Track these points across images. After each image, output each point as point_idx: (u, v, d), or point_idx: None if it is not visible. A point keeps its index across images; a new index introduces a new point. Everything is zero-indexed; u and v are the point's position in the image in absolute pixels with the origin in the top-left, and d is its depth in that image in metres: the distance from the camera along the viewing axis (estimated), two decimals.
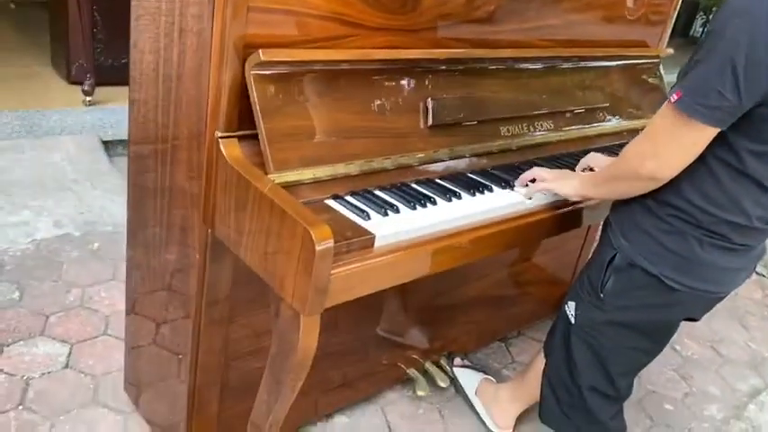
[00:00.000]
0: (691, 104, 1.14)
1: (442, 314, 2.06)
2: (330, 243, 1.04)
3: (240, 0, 1.11)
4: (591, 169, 1.60)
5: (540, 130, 1.69)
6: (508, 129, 1.61)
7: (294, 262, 1.07)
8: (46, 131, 3.22)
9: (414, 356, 2.04)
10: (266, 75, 1.18)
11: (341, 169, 1.29)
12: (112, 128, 3.38)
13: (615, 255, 1.34)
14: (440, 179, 1.47)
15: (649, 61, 2.07)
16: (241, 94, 1.18)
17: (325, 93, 1.27)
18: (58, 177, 2.88)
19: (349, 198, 1.29)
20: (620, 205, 1.40)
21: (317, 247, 1.03)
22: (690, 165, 1.21)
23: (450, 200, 1.37)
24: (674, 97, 1.16)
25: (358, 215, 1.23)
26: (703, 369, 2.54)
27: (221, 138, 1.20)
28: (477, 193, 1.43)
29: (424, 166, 1.46)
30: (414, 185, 1.41)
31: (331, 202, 1.27)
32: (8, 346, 1.96)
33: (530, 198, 1.47)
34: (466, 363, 2.10)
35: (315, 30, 1.26)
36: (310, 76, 1.24)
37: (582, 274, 1.46)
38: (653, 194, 1.29)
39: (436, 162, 1.48)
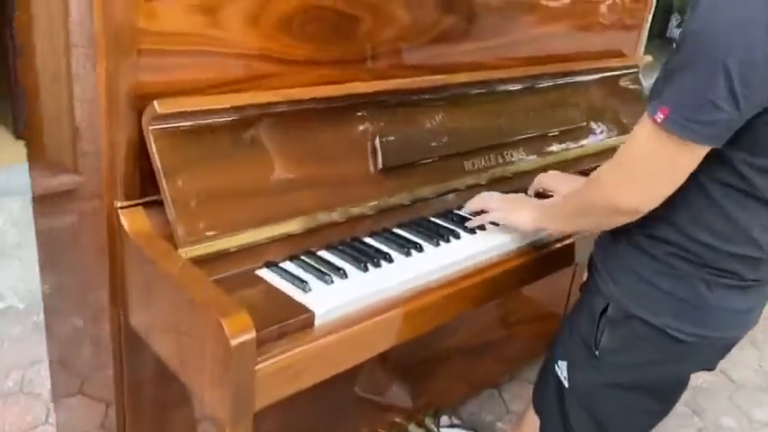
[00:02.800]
0: (682, 122, 0.94)
1: (423, 366, 1.84)
2: (250, 334, 0.83)
3: (126, 41, 0.92)
4: (543, 195, 1.41)
5: (512, 160, 1.49)
6: (474, 162, 1.41)
7: (208, 361, 0.86)
8: None
9: (395, 419, 1.82)
10: (169, 129, 0.98)
11: (277, 230, 1.09)
12: None
13: (607, 305, 1.13)
14: (398, 228, 1.27)
15: (627, 71, 1.89)
16: (142, 152, 0.98)
17: (248, 143, 1.07)
18: None
19: (286, 265, 1.09)
20: (603, 242, 1.19)
21: (232, 342, 0.82)
22: (682, 189, 1.02)
23: (409, 254, 1.17)
24: (659, 116, 0.96)
25: (296, 286, 1.02)
26: (715, 398, 2.32)
27: (122, 208, 1.00)
28: (442, 242, 1.22)
29: (380, 215, 1.25)
30: (367, 240, 1.20)
31: (263, 273, 1.06)
32: None
33: (473, 229, 1.27)
34: (454, 421, 1.88)
35: (231, 70, 1.06)
36: (226, 126, 1.04)
37: (570, 327, 1.25)
38: (641, 229, 1.08)
39: (394, 209, 1.27)
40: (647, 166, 0.99)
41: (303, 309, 0.96)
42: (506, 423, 2.04)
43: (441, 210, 1.35)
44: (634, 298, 1.10)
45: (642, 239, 1.09)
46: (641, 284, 1.09)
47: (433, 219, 1.32)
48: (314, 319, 0.96)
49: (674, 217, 1.05)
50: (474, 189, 1.41)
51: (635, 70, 1.92)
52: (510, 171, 1.49)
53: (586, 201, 1.12)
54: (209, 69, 1.03)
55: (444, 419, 1.88)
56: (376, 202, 1.23)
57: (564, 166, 1.61)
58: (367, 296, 1.04)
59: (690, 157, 0.97)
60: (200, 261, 0.98)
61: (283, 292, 1.00)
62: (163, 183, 0.96)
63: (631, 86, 1.90)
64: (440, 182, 1.34)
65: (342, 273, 1.07)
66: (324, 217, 1.15)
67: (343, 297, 1.01)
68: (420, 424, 1.84)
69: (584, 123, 1.70)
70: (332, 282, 1.04)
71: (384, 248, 1.17)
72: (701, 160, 0.98)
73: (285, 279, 1.04)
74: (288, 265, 1.08)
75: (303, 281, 1.02)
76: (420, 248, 1.18)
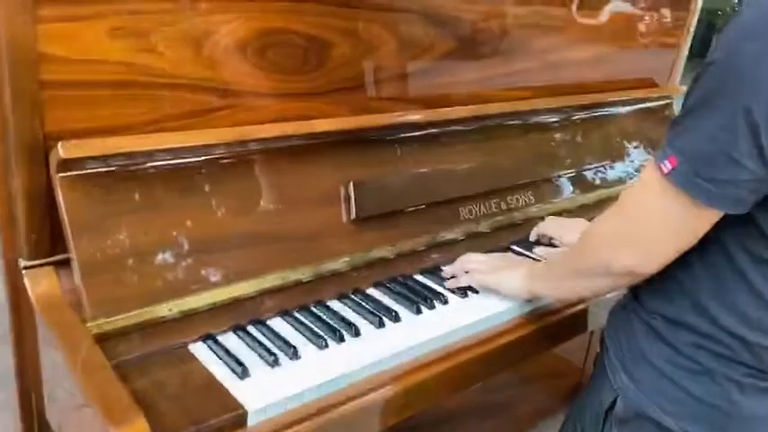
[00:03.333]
0: (691, 178, 0.73)
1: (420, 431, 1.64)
2: None
3: (23, 72, 0.75)
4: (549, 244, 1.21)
5: (517, 206, 1.29)
6: (471, 209, 1.21)
7: None
8: None
9: None
10: (82, 176, 0.81)
11: (220, 294, 0.91)
12: None
13: (615, 399, 0.92)
14: (374, 288, 1.07)
15: (659, 103, 1.67)
16: (52, 203, 0.81)
17: (185, 192, 0.90)
18: None
19: (227, 339, 0.90)
20: (615, 317, 0.98)
21: None
22: (706, 257, 0.80)
23: (381, 324, 0.97)
24: (666, 166, 0.75)
25: (231, 370, 0.83)
26: None
27: (26, 268, 0.83)
28: (425, 308, 1.03)
29: (354, 272, 1.06)
30: (332, 304, 1.01)
31: (198, 349, 0.87)
32: None
33: (465, 291, 1.08)
34: None
35: (169, 104, 0.89)
36: (158, 172, 0.87)
37: (575, 421, 1.03)
38: (658, 307, 0.87)
39: (371, 265, 1.08)
40: (649, 220, 0.78)
41: (232, 404, 0.78)
42: None
43: (429, 266, 1.15)
44: (648, 394, 0.88)
45: (659, 323, 0.87)
46: (657, 379, 0.87)
47: (418, 277, 1.12)
48: (246, 418, 0.77)
49: (696, 294, 0.83)
50: (475, 239, 1.22)
51: (668, 101, 1.70)
52: (515, 219, 1.29)
53: (577, 260, 0.91)
54: (142, 103, 0.86)
55: None
56: (348, 258, 1.04)
57: (579, 213, 1.41)
58: (324, 384, 0.85)
59: (700, 220, 0.76)
60: (118, 334, 0.81)
61: (215, 378, 0.82)
62: (70, 242, 0.79)
63: (663, 121, 1.68)
64: (428, 233, 1.15)
65: (293, 351, 0.87)
66: (279, 277, 0.97)
67: (290, 386, 0.82)
68: None
69: (606, 163, 1.49)
70: (277, 364, 0.85)
71: (351, 317, 0.98)
72: (728, 221, 0.76)
73: (221, 359, 0.85)
74: (228, 340, 0.90)
75: (240, 363, 0.84)
76: (396, 317, 0.99)
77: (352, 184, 1.04)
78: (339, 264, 1.03)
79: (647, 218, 0.78)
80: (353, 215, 1.04)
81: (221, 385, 0.80)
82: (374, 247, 1.08)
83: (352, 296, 1.04)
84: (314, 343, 0.91)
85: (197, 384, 0.80)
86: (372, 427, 0.89)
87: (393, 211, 1.10)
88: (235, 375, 0.82)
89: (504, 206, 1.26)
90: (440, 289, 1.08)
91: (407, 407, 0.93)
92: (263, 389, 0.80)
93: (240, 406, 0.77)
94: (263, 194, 0.97)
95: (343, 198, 1.05)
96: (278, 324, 0.95)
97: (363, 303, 1.02)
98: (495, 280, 1.05)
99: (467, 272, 1.08)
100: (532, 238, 1.25)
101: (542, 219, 1.31)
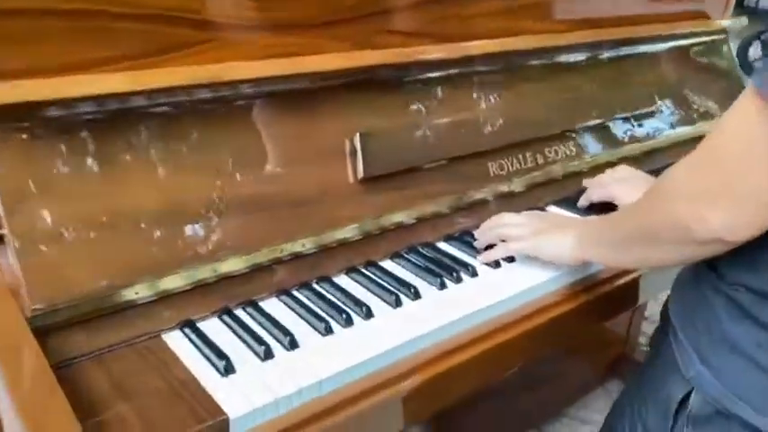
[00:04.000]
0: None
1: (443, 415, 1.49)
2: None
3: None
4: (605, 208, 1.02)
5: (555, 160, 1.10)
6: (502, 164, 1.03)
7: None
8: None
9: None
10: (12, 131, 0.64)
11: (202, 272, 0.75)
12: None
13: (689, 393, 0.74)
14: (390, 260, 0.91)
15: (713, 37, 1.45)
16: None
17: (152, 146, 0.73)
18: None
19: (209, 325, 0.74)
20: (683, 289, 0.79)
21: None
22: None
23: (399, 303, 0.81)
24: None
25: (211, 364, 0.68)
26: None
27: None
28: (450, 282, 0.86)
29: (365, 242, 0.89)
30: (339, 280, 0.85)
31: (172, 338, 0.72)
32: None
33: (490, 264, 0.90)
34: None
35: (132, 39, 0.72)
36: (116, 121, 0.70)
37: (631, 416, 0.85)
38: (738, 277, 0.69)
39: (385, 233, 0.91)
40: (752, 167, 0.60)
41: (212, 409, 0.62)
42: None
43: (455, 232, 0.97)
44: (732, 387, 0.70)
45: (744, 296, 0.69)
46: (744, 367, 0.69)
47: (441, 245, 0.95)
48: (227, 426, 0.62)
49: None
50: (507, 199, 1.04)
51: (722, 36, 1.48)
52: (556, 173, 1.10)
53: (647, 219, 0.72)
54: (96, 39, 0.69)
55: None
56: (357, 225, 0.87)
57: (627, 164, 1.21)
58: (328, 380, 0.68)
59: None
60: (68, 325, 0.66)
61: (192, 376, 0.66)
62: (2, 213, 0.63)
63: (717, 56, 1.46)
64: (452, 193, 0.97)
65: (290, 340, 0.71)
66: (274, 250, 0.80)
67: (285, 384, 0.66)
68: None
69: (656, 106, 1.29)
70: (270, 356, 0.69)
71: (362, 295, 0.81)
72: None
73: (201, 351, 0.70)
74: (210, 326, 0.74)
75: (223, 356, 0.68)
76: (416, 294, 0.82)
77: (358, 135, 0.86)
78: (346, 232, 0.87)
79: (748, 164, 0.59)
80: (361, 173, 0.87)
81: (199, 384, 0.65)
82: (388, 211, 0.90)
83: (363, 270, 0.87)
84: (316, 328, 0.75)
85: (169, 385, 0.64)
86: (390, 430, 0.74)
87: (409, 168, 0.92)
88: (216, 372, 0.67)
89: (540, 160, 1.07)
90: (468, 259, 0.91)
91: (431, 402, 0.77)
92: (250, 389, 0.65)
93: (221, 412, 0.61)
94: (250, 149, 0.80)
95: (349, 153, 0.87)
96: (273, 306, 0.79)
97: (376, 278, 0.85)
98: (536, 245, 0.87)
99: (503, 241, 0.90)
100: (583, 203, 1.06)
101: (588, 175, 1.13)
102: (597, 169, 1.13)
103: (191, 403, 0.62)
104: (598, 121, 1.17)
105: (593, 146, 1.16)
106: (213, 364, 0.67)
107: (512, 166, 1.03)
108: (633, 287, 0.99)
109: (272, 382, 0.66)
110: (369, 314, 0.78)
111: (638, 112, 1.24)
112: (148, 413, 0.60)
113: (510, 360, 0.86)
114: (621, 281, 0.95)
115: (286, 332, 0.72)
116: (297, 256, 0.83)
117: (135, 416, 0.59)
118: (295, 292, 0.81)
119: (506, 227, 0.90)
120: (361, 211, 0.88)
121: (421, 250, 0.92)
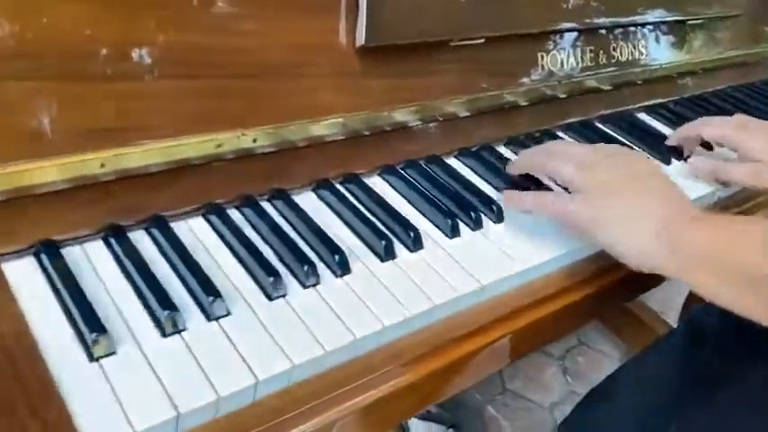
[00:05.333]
0: None
1: None
2: None
3: None
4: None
5: (630, 54, 0.80)
6: (556, 54, 0.73)
7: None
8: None
9: None
10: None
11: (152, 156, 0.46)
12: None
13: None
14: (379, 176, 0.62)
15: None
16: None
17: None
18: None
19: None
20: None
21: None
22: None
23: (416, 245, 0.53)
24: None
25: (77, 334, 0.40)
26: None
27: None
28: (465, 226, 0.58)
29: (349, 144, 0.60)
30: (301, 199, 0.57)
31: (10, 270, 0.44)
32: None
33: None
34: (431, 409, 1.34)
35: None
36: None
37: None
38: None
39: (381, 136, 0.62)
40: None
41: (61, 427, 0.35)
42: (501, 406, 1.51)
43: (477, 147, 0.69)
44: None
45: None
46: None
47: (451, 162, 0.66)
48: None
49: None
50: (555, 103, 0.75)
51: None
52: (629, 77, 0.80)
53: None
54: None
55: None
56: (341, 120, 0.57)
57: (725, 76, 0.93)
58: (268, 380, 0.42)
59: None
60: None
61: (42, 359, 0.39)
62: None
63: None
64: (484, 89, 0.67)
65: (279, 282, 0.44)
66: (211, 142, 0.51)
67: (198, 389, 0.40)
68: None
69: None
70: (223, 313, 0.42)
71: (364, 227, 0.54)
72: None
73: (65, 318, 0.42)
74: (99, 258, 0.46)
75: (93, 320, 0.40)
76: (417, 241, 0.55)
77: None
78: (324, 127, 0.57)
79: None
80: (362, 38, 0.55)
81: (52, 379, 0.37)
82: (388, 103, 0.61)
83: (338, 186, 0.59)
84: (297, 277, 0.47)
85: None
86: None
87: (428, 41, 0.61)
88: (81, 351, 0.39)
89: (609, 53, 0.77)
90: (493, 194, 0.63)
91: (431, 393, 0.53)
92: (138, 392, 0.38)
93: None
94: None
95: (345, 5, 0.56)
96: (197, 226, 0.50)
97: (360, 205, 0.57)
98: (597, 219, 0.52)
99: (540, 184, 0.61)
100: (673, 141, 0.75)
101: (684, 79, 0.83)
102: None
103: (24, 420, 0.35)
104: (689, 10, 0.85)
105: (680, 40, 0.85)
106: (79, 335, 0.40)
107: (571, 56, 0.73)
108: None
109: (182, 384, 0.39)
110: (346, 267, 0.50)
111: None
112: None
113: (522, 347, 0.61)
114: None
115: (275, 271, 0.45)
116: (242, 156, 0.53)
117: None
118: (230, 211, 0.53)
119: (566, 163, 0.56)
120: (352, 98, 0.58)
121: (428, 169, 0.64)
